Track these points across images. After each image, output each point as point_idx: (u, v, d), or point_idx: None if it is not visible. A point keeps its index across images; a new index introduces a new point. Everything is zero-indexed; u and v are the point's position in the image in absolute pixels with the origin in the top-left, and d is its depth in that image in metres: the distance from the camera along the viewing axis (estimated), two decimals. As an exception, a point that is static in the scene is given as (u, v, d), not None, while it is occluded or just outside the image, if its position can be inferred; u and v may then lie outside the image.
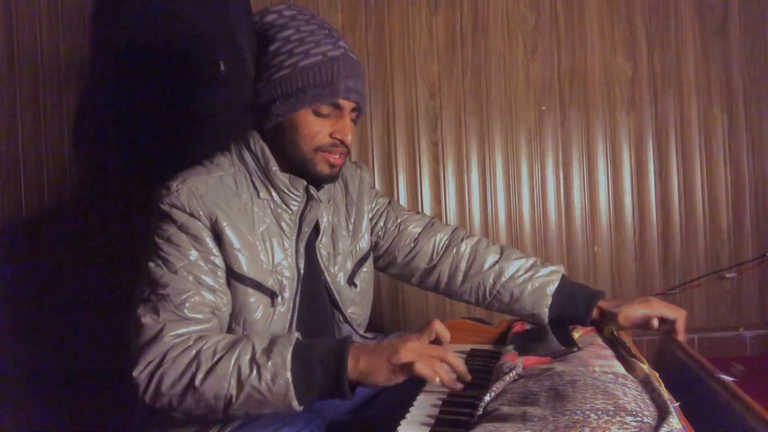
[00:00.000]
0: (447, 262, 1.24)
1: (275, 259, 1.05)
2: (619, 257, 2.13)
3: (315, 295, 1.13)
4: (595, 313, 1.16)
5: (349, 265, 1.19)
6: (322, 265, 1.14)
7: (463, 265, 1.23)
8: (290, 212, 1.08)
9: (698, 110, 2.12)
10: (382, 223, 1.26)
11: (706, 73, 2.12)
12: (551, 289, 1.18)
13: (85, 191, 1.99)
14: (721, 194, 2.13)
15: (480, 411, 0.78)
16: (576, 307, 1.16)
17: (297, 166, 1.06)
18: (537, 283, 1.18)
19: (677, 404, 0.70)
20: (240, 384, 0.86)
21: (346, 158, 1.11)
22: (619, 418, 0.66)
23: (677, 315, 1.11)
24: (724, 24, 2.12)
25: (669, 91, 2.12)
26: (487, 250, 1.24)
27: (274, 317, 1.04)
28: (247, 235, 1.02)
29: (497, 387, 0.83)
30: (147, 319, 0.92)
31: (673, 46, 2.12)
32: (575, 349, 0.98)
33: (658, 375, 0.80)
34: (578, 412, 0.68)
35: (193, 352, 0.89)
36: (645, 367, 0.84)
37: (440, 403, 0.87)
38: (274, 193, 1.07)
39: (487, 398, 0.81)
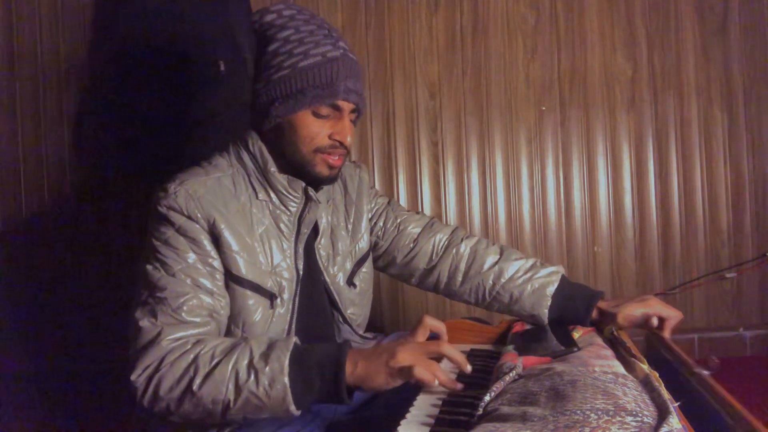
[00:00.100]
0: (446, 263, 1.24)
1: (274, 261, 1.05)
2: (619, 257, 2.13)
3: (314, 296, 1.13)
4: (594, 313, 1.16)
5: (349, 266, 1.18)
6: (321, 265, 1.13)
7: (462, 266, 1.23)
8: (289, 213, 1.07)
9: (698, 110, 2.13)
10: (381, 223, 1.26)
11: (706, 73, 2.12)
12: (551, 289, 1.17)
13: (85, 191, 1.99)
14: (721, 194, 2.13)
15: (480, 411, 0.78)
16: (576, 307, 1.16)
17: (296, 167, 1.06)
18: (536, 283, 1.18)
19: (677, 404, 0.70)
20: (238, 389, 0.86)
21: (345, 159, 1.11)
22: (619, 418, 0.66)
23: (675, 316, 1.11)
24: (724, 24, 2.12)
25: (669, 91, 2.12)
26: (486, 251, 1.24)
27: (273, 319, 1.03)
28: (245, 237, 1.01)
29: (497, 387, 0.83)
30: (145, 323, 0.91)
31: (673, 46, 2.12)
32: (575, 349, 0.98)
33: (658, 375, 0.80)
34: (578, 412, 0.68)
35: (191, 356, 0.88)
36: (645, 367, 0.84)
37: (440, 403, 0.87)
38: (272, 195, 1.06)
39: (487, 398, 0.81)
